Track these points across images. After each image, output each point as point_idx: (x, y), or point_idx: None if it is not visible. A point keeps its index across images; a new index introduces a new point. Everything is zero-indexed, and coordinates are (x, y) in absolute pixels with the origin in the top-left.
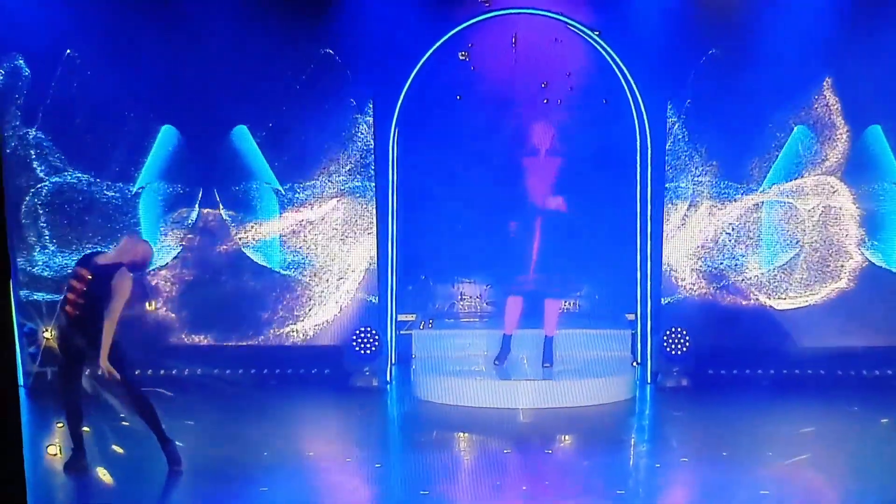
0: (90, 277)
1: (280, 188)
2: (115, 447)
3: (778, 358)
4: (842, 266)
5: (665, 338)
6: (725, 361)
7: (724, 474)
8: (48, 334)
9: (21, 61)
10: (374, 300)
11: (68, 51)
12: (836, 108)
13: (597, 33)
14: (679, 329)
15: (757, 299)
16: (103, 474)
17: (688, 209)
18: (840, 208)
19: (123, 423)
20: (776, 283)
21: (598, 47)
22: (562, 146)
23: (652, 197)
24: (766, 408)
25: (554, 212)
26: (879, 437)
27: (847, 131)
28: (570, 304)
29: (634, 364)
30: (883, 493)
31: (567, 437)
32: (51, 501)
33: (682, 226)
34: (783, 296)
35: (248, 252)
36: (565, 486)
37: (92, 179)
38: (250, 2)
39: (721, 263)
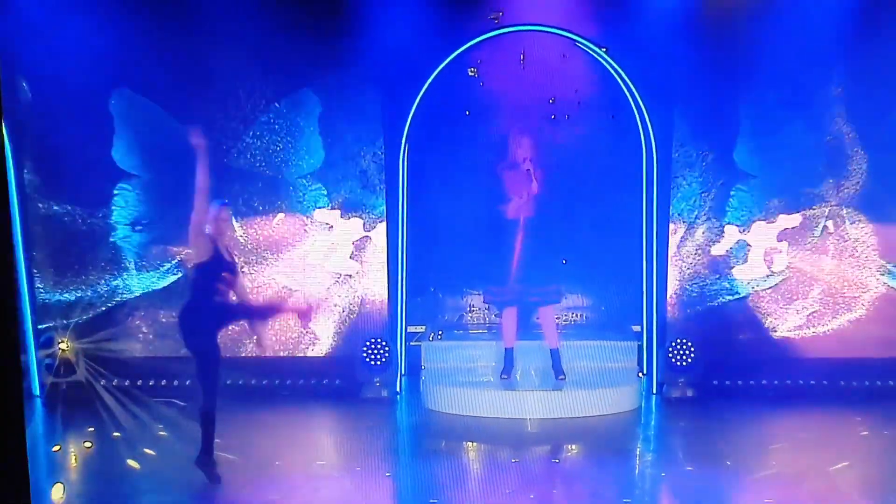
0: (232, 276)
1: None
2: (131, 454)
3: (782, 369)
4: (856, 297)
5: (670, 349)
6: (730, 372)
7: (729, 484)
8: (64, 346)
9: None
10: (384, 312)
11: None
12: (845, 119)
13: (604, 50)
14: (684, 340)
15: (761, 314)
16: (116, 481)
17: (693, 222)
18: (849, 237)
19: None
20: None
21: (606, 64)
22: (570, 160)
23: (658, 210)
24: (770, 418)
25: (553, 222)
26: (883, 448)
27: (862, 154)
28: (578, 315)
29: (640, 375)
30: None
31: (574, 447)
32: None
33: (688, 238)
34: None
35: (260, 264)
36: (573, 495)
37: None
38: (265, 23)
39: (724, 279)
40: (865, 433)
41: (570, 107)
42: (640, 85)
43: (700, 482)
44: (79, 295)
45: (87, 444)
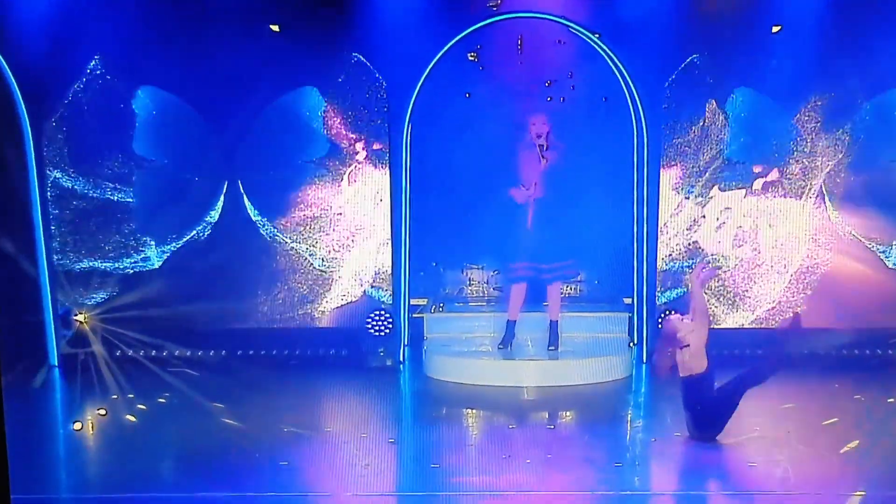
0: None
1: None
2: (145, 423)
3: (764, 338)
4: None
5: (660, 320)
6: (716, 342)
7: (715, 448)
8: (81, 318)
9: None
10: (388, 286)
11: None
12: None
13: (597, 35)
14: (673, 312)
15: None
16: (131, 448)
17: (683, 199)
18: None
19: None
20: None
21: (599, 48)
22: (564, 140)
23: (648, 187)
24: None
25: (553, 200)
26: (858, 413)
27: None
28: (573, 288)
29: (631, 345)
30: (860, 462)
31: (568, 413)
32: (80, 478)
33: (677, 213)
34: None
35: (273, 241)
36: (566, 459)
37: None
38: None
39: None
40: (843, 400)
41: (566, 89)
42: (630, 68)
43: (687, 447)
44: (96, 267)
45: (101, 412)
